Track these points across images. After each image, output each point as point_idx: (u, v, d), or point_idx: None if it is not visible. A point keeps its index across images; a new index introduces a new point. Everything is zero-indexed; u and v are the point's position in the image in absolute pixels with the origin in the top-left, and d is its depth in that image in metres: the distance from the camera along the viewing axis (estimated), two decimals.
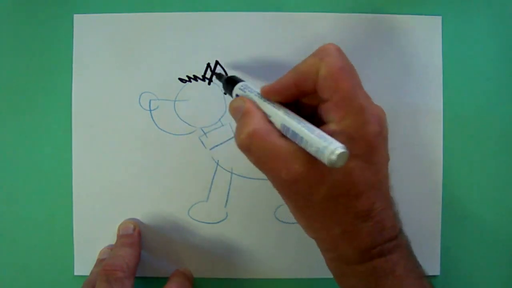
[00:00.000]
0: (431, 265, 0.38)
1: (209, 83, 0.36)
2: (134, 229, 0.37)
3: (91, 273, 0.36)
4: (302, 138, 0.26)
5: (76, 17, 0.37)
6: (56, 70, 0.38)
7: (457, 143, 0.38)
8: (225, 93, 0.33)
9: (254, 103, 0.29)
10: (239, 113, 0.29)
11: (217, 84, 0.37)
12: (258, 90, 0.30)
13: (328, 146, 0.24)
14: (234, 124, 0.37)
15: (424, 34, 0.38)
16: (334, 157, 0.24)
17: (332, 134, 0.26)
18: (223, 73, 0.36)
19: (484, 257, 0.39)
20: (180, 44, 0.37)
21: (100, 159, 0.37)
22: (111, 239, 0.37)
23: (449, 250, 0.38)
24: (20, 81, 0.38)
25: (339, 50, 0.28)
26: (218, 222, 0.38)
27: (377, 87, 0.38)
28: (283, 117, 0.28)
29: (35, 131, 0.38)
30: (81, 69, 0.37)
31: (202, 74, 0.36)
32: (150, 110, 0.38)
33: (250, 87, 0.31)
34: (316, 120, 0.28)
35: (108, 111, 0.37)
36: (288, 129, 0.27)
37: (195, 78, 0.36)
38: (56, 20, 0.38)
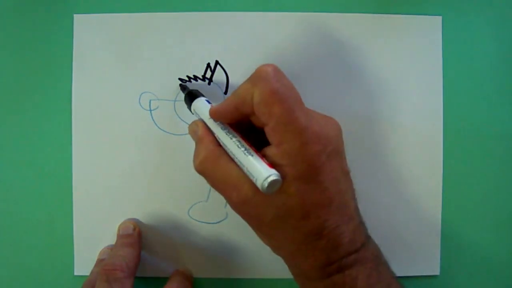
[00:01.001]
0: (431, 265, 0.38)
1: (209, 83, 0.36)
2: (134, 229, 0.37)
3: (91, 273, 0.36)
4: (241, 164, 0.28)
5: (76, 17, 0.37)
6: (56, 70, 0.38)
7: (457, 143, 0.38)
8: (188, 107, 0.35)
9: (206, 127, 0.31)
10: (195, 137, 0.32)
11: (217, 84, 0.37)
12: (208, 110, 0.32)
13: (260, 175, 0.26)
14: None
15: (424, 34, 0.38)
16: (266, 184, 0.26)
17: (272, 157, 0.27)
18: (188, 86, 0.36)
19: (484, 257, 0.39)
20: (180, 44, 0.37)
21: (100, 159, 0.37)
22: (111, 239, 0.37)
23: (449, 250, 0.38)
24: (20, 81, 0.38)
25: (274, 70, 0.28)
26: (218, 222, 0.38)
27: (377, 87, 0.38)
28: (224, 143, 0.29)
29: (35, 131, 0.38)
30: (81, 69, 0.37)
31: (202, 74, 0.36)
32: (150, 110, 0.38)
33: (203, 107, 0.32)
34: (266, 139, 0.28)
35: (108, 111, 0.37)
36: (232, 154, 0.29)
37: (195, 78, 0.36)
38: (56, 20, 0.38)
